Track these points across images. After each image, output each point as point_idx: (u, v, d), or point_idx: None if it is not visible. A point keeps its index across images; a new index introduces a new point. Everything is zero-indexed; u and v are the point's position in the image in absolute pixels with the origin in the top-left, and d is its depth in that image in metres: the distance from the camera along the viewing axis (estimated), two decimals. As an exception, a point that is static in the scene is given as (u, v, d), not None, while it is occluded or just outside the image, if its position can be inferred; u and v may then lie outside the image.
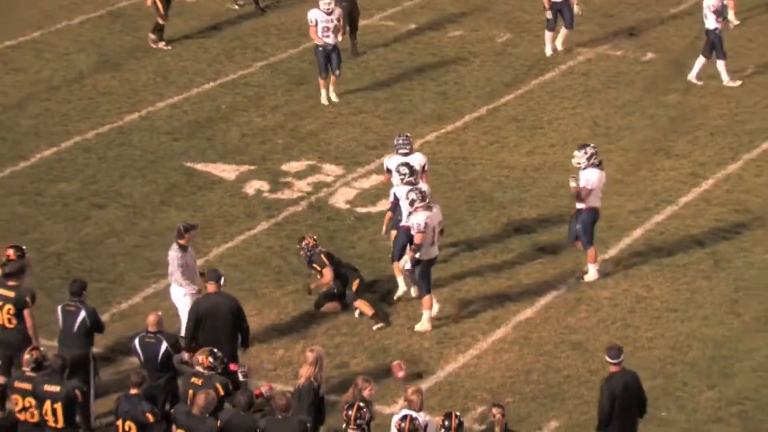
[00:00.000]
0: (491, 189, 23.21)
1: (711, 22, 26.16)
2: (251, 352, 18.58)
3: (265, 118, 25.54)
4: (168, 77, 27.05)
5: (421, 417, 15.41)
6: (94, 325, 17.30)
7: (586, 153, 20.14)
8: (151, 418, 15.60)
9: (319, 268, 19.34)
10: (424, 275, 19.39)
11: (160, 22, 27.83)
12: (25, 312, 17.31)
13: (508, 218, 22.26)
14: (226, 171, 23.69)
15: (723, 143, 24.77)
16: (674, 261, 21.21)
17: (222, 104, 26.03)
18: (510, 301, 20.20)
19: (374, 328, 19.44)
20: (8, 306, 17.30)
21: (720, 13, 26.16)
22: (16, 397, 16.03)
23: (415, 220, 19.07)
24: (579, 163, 20.14)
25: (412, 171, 19.86)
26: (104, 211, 22.43)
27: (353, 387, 15.98)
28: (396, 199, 19.72)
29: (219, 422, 15.43)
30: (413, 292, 19.86)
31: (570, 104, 26.22)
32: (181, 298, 18.40)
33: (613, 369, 16.03)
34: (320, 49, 25.38)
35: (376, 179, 22.64)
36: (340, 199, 22.89)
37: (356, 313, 19.72)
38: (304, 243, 19.56)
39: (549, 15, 27.43)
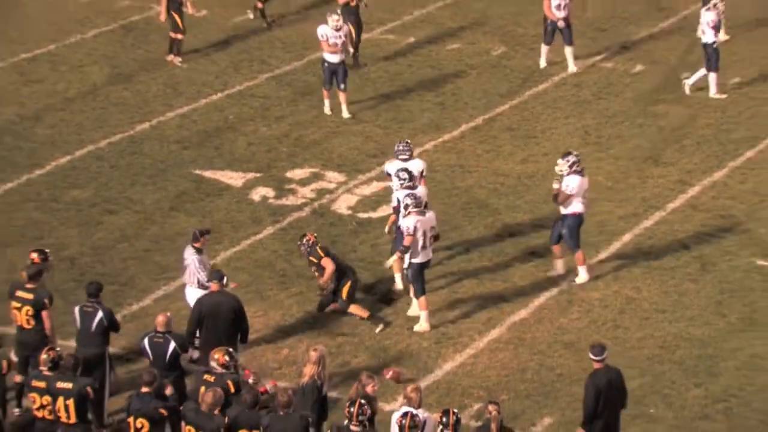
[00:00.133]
0: (487, 195, 23.22)
1: (709, 37, 26.15)
2: (257, 352, 18.61)
3: (271, 128, 25.54)
4: (177, 89, 27.05)
5: (421, 414, 15.42)
6: (111, 325, 17.33)
7: (568, 161, 20.19)
8: (164, 412, 15.63)
9: (316, 261, 19.31)
10: (417, 278, 19.41)
11: (179, 37, 27.75)
12: (44, 313, 17.33)
13: (503, 223, 22.27)
14: (233, 178, 23.69)
15: (709, 152, 24.77)
16: (662, 264, 21.22)
17: (230, 114, 26.03)
18: (505, 303, 20.21)
19: (377, 331, 19.42)
20: (27, 307, 17.32)
21: (718, 28, 26.19)
22: (33, 395, 16.04)
23: (406, 223, 19.10)
24: (561, 170, 20.18)
25: (411, 176, 19.90)
26: (116, 217, 22.44)
27: (357, 383, 15.99)
28: (399, 203, 19.75)
29: (227, 419, 15.45)
30: (411, 292, 19.87)
31: (562, 114, 26.22)
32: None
33: (597, 366, 16.08)
34: (326, 64, 25.37)
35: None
36: (342, 205, 22.89)
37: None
38: (305, 239, 19.59)
39: (561, 24, 27.21)
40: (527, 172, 23.74)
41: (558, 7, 27.14)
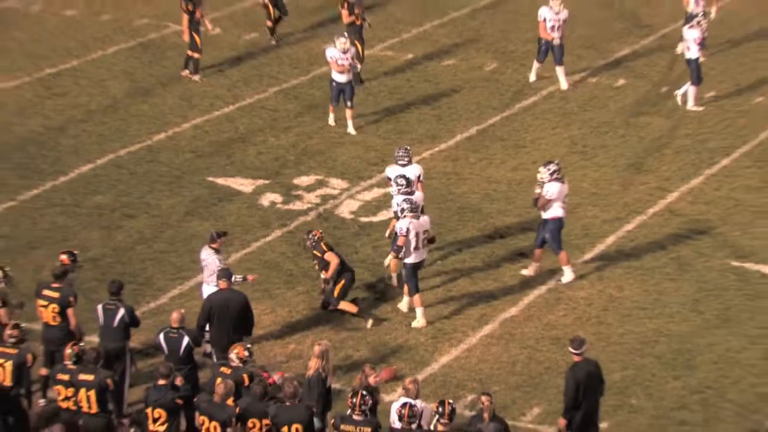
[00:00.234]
0: (479, 201, 23.24)
1: (694, 53, 26.17)
2: (266, 346, 18.62)
3: (279, 138, 25.56)
4: (192, 101, 27.07)
5: (418, 404, 15.45)
6: (132, 321, 17.37)
7: (549, 169, 20.25)
8: (180, 402, 15.66)
9: (320, 255, 19.31)
10: (410, 277, 19.44)
11: (196, 56, 27.77)
12: (69, 311, 17.36)
13: (495, 227, 22.29)
14: (244, 185, 23.71)
15: (686, 160, 24.79)
16: (643, 265, 21.25)
17: (240, 126, 26.06)
18: (496, 301, 20.23)
19: (368, 326, 19.41)
20: (53, 305, 17.35)
21: (703, 44, 26.19)
22: (58, 387, 16.07)
23: (399, 224, 19.17)
24: (543, 177, 20.23)
25: (408, 182, 19.95)
26: (135, 221, 22.46)
27: (361, 374, 16.03)
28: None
29: (237, 409, 15.47)
30: (405, 290, 19.88)
31: (550, 125, 26.24)
32: None
33: (576, 359, 16.10)
34: (334, 83, 25.37)
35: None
36: (345, 209, 22.91)
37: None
38: (311, 234, 19.63)
39: (557, 41, 27.15)
40: (517, 179, 23.76)
41: (552, 28, 27.14)
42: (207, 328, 17.64)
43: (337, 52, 25.12)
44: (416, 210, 19.23)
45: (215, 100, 27.11)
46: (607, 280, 20.79)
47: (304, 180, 23.90)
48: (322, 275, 19.57)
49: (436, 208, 22.12)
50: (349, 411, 15.11)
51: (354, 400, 15.11)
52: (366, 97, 26.57)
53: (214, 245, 18.67)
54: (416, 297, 19.51)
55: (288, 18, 30.00)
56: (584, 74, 28.38)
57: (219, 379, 15.88)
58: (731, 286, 20.64)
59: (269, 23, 29.75)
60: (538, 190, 20.30)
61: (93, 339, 17.71)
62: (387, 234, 20.37)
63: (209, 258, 18.54)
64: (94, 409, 15.83)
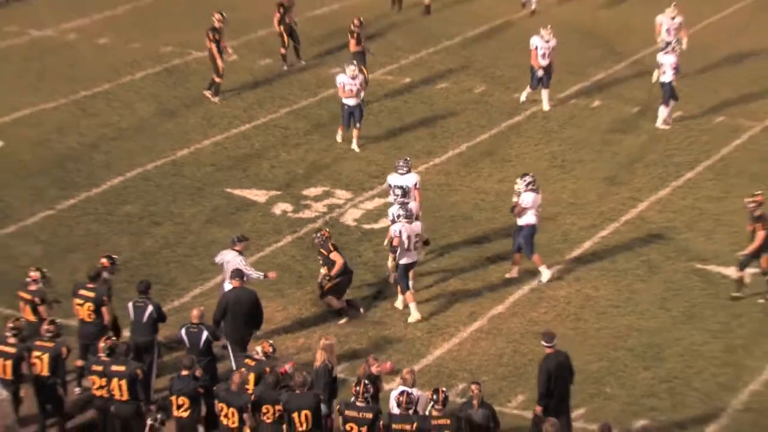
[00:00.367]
0: (470, 210, 23.26)
1: (668, 76, 26.20)
2: (278, 340, 18.63)
3: (290, 154, 25.59)
4: (212, 121, 27.10)
5: (415, 392, 15.46)
6: (159, 317, 17.41)
7: (525, 180, 20.30)
8: (201, 390, 15.69)
9: (326, 253, 19.31)
10: (402, 276, 19.51)
11: (217, 80, 27.84)
12: (103, 309, 17.39)
13: (483, 233, 22.32)
14: (258, 195, 23.73)
15: (655, 173, 24.83)
16: (616, 267, 21.27)
17: (255, 143, 26.09)
18: (484, 299, 20.25)
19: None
20: (88, 304, 17.39)
21: (678, 69, 26.21)
22: (92, 377, 16.10)
23: (394, 228, 19.29)
24: (519, 188, 20.27)
25: (404, 192, 20.02)
26: (160, 228, 22.48)
27: (365, 364, 16.05)
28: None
29: (253, 397, 15.49)
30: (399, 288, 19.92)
31: (533, 142, 26.27)
32: None
33: (548, 351, 16.12)
34: (345, 106, 25.36)
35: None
36: (349, 217, 22.93)
37: (361, 310, 19.79)
38: (320, 233, 19.61)
39: (540, 73, 27.24)
40: (503, 190, 23.77)
41: (543, 55, 27.14)
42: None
43: (347, 78, 25.13)
44: (410, 216, 19.31)
45: (233, 120, 27.14)
46: (584, 281, 20.82)
47: (312, 191, 23.93)
48: (323, 271, 19.58)
49: (431, 216, 22.16)
50: (353, 398, 15.14)
51: (357, 388, 15.13)
52: (367, 117, 26.60)
53: (237, 248, 18.72)
54: (407, 294, 19.54)
55: (300, 45, 30.03)
56: (563, 96, 28.42)
57: (243, 369, 15.92)
58: (695, 286, 20.67)
59: (282, 50, 29.77)
60: (515, 199, 20.36)
61: (125, 333, 17.73)
62: (385, 243, 20.35)
63: (234, 260, 18.56)
64: (126, 397, 15.87)
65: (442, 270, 21.09)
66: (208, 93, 27.92)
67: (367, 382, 15.25)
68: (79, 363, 17.53)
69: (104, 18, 33.10)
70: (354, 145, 25.51)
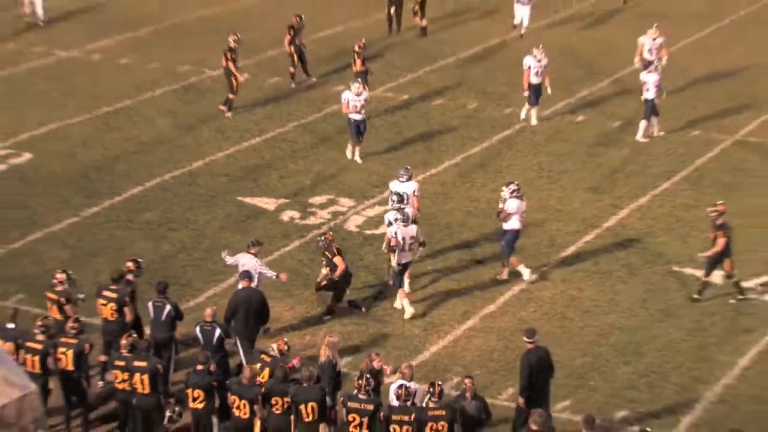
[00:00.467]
0: (463, 217, 23.28)
1: (651, 94, 26.22)
2: (286, 337, 18.59)
3: (297, 165, 25.59)
4: (225, 134, 27.11)
5: (412, 385, 15.48)
6: (177, 315, 17.42)
7: (510, 188, 20.34)
8: (215, 384, 15.70)
9: (330, 256, 19.31)
10: (397, 275, 19.58)
11: (231, 96, 27.87)
12: (125, 309, 17.40)
13: (476, 238, 22.33)
14: (268, 203, 23.74)
15: (635, 183, 24.84)
16: (599, 269, 21.28)
17: (265, 155, 26.10)
18: (477, 299, 20.26)
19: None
20: (111, 304, 17.40)
21: (660, 86, 26.21)
22: (115, 372, 16.10)
23: (390, 230, 19.35)
24: (505, 195, 20.29)
25: (401, 199, 20.06)
26: (177, 233, 22.49)
27: (367, 359, 16.05)
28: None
29: (263, 389, 15.49)
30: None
31: (522, 154, 26.28)
32: None
33: (529, 346, 16.12)
34: (352, 121, 25.34)
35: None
36: (352, 224, 22.93)
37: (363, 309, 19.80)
38: (324, 236, 19.63)
39: (525, 93, 27.31)
40: (495, 198, 23.61)
41: (536, 74, 27.14)
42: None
43: (352, 95, 25.12)
44: (406, 220, 19.38)
45: (244, 133, 27.15)
46: (569, 282, 20.82)
47: (318, 199, 23.94)
48: (324, 271, 19.58)
49: (427, 223, 22.16)
50: (355, 391, 15.14)
51: (360, 381, 15.14)
52: (369, 131, 26.60)
53: (252, 251, 18.75)
54: (400, 291, 19.56)
55: (308, 65, 30.07)
56: (550, 112, 28.43)
57: (258, 364, 15.93)
58: (672, 287, 20.68)
59: (291, 69, 29.77)
60: (501, 205, 20.39)
61: (148, 332, 17.73)
62: (383, 247, 20.37)
63: (249, 262, 18.57)
64: (147, 390, 15.87)
65: (438, 272, 21.10)
66: (223, 107, 27.94)
67: (368, 376, 15.26)
68: (103, 358, 17.54)
69: (126, 39, 33.12)
70: (357, 157, 25.51)
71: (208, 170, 25.24)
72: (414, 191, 20.75)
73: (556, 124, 27.84)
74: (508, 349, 18.69)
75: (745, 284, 20.45)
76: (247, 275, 17.91)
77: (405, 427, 14.87)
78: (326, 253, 19.46)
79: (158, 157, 25.83)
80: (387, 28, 33.60)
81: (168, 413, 16.17)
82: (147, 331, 17.75)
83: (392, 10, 33.48)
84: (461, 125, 27.80)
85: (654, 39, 28.46)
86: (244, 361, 17.15)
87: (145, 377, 15.79)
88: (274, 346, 16.23)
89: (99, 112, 28.13)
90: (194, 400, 15.72)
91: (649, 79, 26.24)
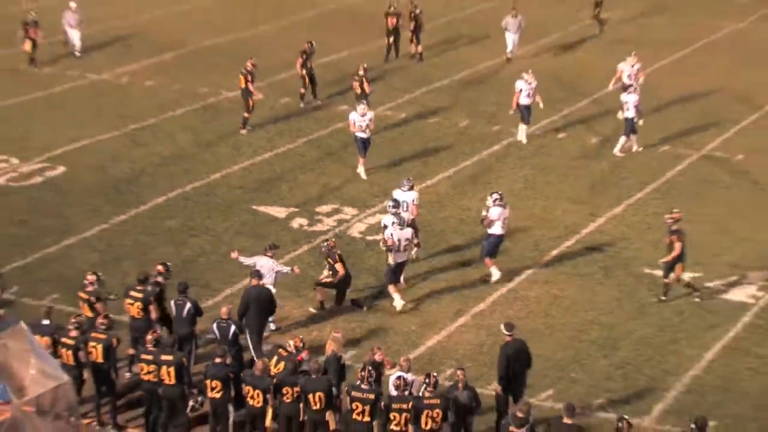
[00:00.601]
0: (456, 224, 23.27)
1: (631, 113, 26.26)
2: (295, 333, 18.60)
3: (305, 177, 25.58)
4: (240, 149, 27.12)
5: (410, 377, 15.48)
6: (197, 312, 17.42)
7: (493, 197, 20.37)
8: (231, 375, 15.69)
9: (332, 262, 19.31)
10: (391, 272, 19.55)
11: (246, 115, 27.87)
12: (151, 307, 17.40)
13: (467, 243, 22.29)
14: (279, 212, 23.74)
15: (611, 193, 24.84)
16: (579, 272, 21.27)
17: (276, 168, 26.09)
18: (468, 298, 20.24)
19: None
20: (138, 303, 17.41)
21: (639, 110, 26.23)
22: (141, 365, 16.10)
23: (387, 232, 19.42)
24: (488, 204, 20.29)
25: (397, 205, 20.09)
26: (197, 239, 22.49)
27: (370, 352, 16.03)
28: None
29: (275, 380, 15.48)
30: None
31: (509, 167, 26.27)
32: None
33: (507, 339, 16.11)
34: (358, 138, 25.26)
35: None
36: (355, 230, 22.93)
37: (365, 309, 19.78)
38: (327, 243, 19.62)
39: (511, 112, 27.27)
40: (484, 207, 23.76)
41: (527, 95, 27.11)
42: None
43: (358, 116, 25.08)
44: (402, 224, 19.43)
45: (257, 149, 27.15)
46: (552, 283, 20.81)
47: (324, 208, 23.93)
48: (325, 272, 19.56)
49: (423, 230, 22.12)
50: (358, 381, 15.13)
51: (362, 373, 15.13)
52: (370, 147, 26.57)
53: (269, 254, 18.78)
54: (390, 287, 19.57)
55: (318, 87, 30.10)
56: (535, 129, 28.42)
57: (275, 358, 15.92)
58: (644, 288, 20.67)
59: (302, 90, 29.78)
60: (484, 213, 20.41)
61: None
62: (381, 244, 20.25)
63: (267, 263, 18.59)
64: (173, 381, 15.86)
65: (433, 274, 21.08)
66: (241, 128, 27.92)
67: (370, 368, 15.25)
68: (130, 351, 17.53)
69: (151, 64, 33.16)
70: (362, 172, 25.38)
71: (225, 182, 25.24)
72: (413, 200, 20.80)
73: (541, 140, 27.84)
74: (496, 344, 18.48)
75: (709, 284, 20.45)
76: (257, 274, 17.92)
77: (404, 414, 14.87)
78: (329, 259, 19.46)
79: (180, 169, 25.83)
80: (385, 55, 33.61)
81: (191, 403, 16.16)
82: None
83: (391, 39, 33.52)
84: (454, 141, 27.80)
85: (632, 66, 28.51)
86: (254, 356, 17.11)
87: (172, 369, 15.79)
88: (291, 342, 16.22)
89: (126, 130, 28.15)
90: (212, 389, 15.70)
91: (629, 99, 26.33)
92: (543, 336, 18.79)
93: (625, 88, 27.61)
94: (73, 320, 16.60)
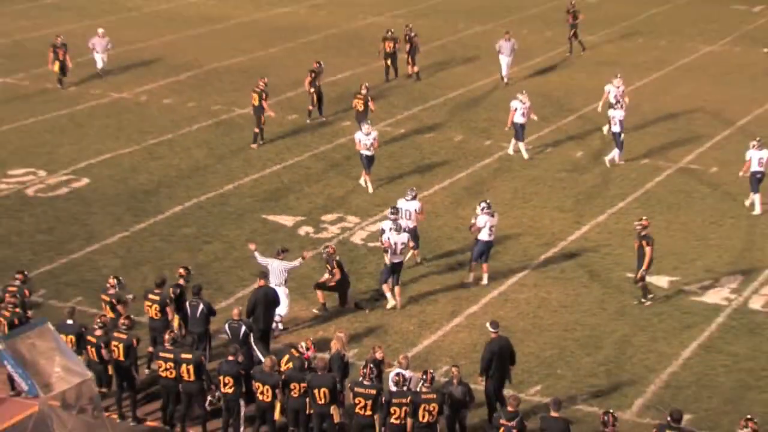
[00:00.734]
0: (451, 231, 23.26)
1: (618, 128, 26.30)
2: (302, 333, 18.60)
3: (311, 188, 25.59)
4: (251, 162, 27.13)
5: (408, 373, 15.46)
6: (210, 312, 17.41)
7: (481, 206, 20.37)
8: (242, 372, 15.66)
9: (330, 267, 19.31)
10: (385, 272, 19.56)
11: (256, 130, 27.89)
12: (168, 309, 17.41)
13: (461, 249, 22.24)
14: (287, 220, 23.73)
15: (595, 203, 24.82)
16: (565, 275, 21.26)
17: (284, 180, 26.10)
18: (462, 300, 20.22)
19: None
20: (155, 305, 17.42)
21: (622, 123, 26.22)
22: (159, 362, 16.09)
23: (385, 236, 19.40)
24: (477, 212, 20.31)
25: (396, 211, 20.09)
26: (211, 246, 22.48)
27: (371, 351, 16.01)
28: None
29: (283, 377, 15.46)
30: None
31: (500, 179, 26.25)
32: (283, 295, 18.50)
33: (493, 336, 16.11)
34: (363, 156, 25.16)
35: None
36: (357, 238, 22.92)
37: (366, 311, 19.75)
38: (327, 249, 19.60)
39: (506, 129, 27.27)
40: (477, 216, 23.78)
41: (522, 114, 27.10)
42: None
43: (363, 135, 25.04)
44: (399, 229, 19.48)
45: (267, 162, 27.16)
46: (540, 286, 20.80)
47: (328, 217, 23.93)
48: (326, 275, 19.56)
49: (420, 237, 22.06)
50: (360, 378, 15.13)
51: (365, 370, 15.12)
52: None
53: (279, 257, 18.78)
54: (384, 285, 19.56)
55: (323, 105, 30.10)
56: (524, 143, 28.34)
57: (287, 356, 15.89)
58: (626, 290, 20.63)
59: (310, 107, 29.79)
60: (473, 221, 20.41)
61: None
62: (380, 244, 20.26)
63: (279, 265, 18.60)
64: (192, 378, 15.85)
65: (429, 278, 21.06)
66: (253, 143, 27.91)
67: (372, 365, 15.24)
68: (150, 350, 17.52)
69: (168, 83, 33.19)
70: (366, 184, 25.25)
71: (237, 192, 25.24)
72: (416, 209, 20.84)
73: (529, 154, 27.83)
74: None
75: (686, 288, 20.45)
76: (263, 275, 17.96)
77: (403, 409, 14.86)
78: (327, 265, 19.46)
79: (195, 181, 25.84)
80: (385, 75, 33.64)
81: (209, 398, 16.14)
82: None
83: (388, 61, 33.56)
84: (449, 155, 27.79)
85: (618, 87, 28.58)
86: (260, 356, 16.89)
87: (191, 367, 15.79)
88: (303, 343, 16.21)
89: (145, 144, 28.17)
90: (225, 385, 15.70)
91: (616, 115, 26.39)
92: (531, 335, 18.78)
93: (611, 105, 27.65)
94: (98, 320, 16.62)
